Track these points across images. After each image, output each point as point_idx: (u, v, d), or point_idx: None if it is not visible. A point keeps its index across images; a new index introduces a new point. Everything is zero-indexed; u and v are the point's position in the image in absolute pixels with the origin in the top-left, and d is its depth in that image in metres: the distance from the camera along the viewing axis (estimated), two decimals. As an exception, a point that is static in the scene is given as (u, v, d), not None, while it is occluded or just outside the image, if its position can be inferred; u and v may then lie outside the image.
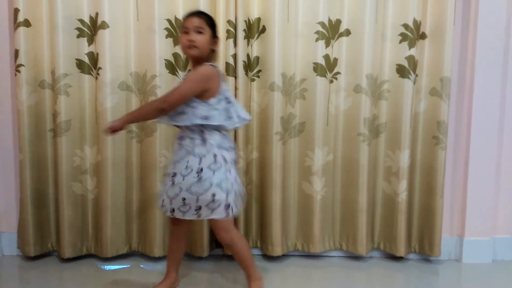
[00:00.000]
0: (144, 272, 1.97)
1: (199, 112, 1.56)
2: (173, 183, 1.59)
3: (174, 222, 1.70)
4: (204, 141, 1.58)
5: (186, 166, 1.57)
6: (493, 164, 2.09)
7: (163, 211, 1.67)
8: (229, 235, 1.64)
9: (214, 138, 1.59)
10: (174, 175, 1.60)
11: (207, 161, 1.57)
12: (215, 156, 1.58)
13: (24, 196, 1.99)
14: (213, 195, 1.56)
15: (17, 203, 2.08)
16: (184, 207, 1.58)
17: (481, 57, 2.01)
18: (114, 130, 1.58)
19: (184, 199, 1.57)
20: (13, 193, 2.11)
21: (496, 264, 2.10)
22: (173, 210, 1.61)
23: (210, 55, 1.63)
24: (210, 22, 1.61)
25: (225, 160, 1.60)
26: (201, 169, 1.56)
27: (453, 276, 2.01)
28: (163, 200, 1.65)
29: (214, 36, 1.62)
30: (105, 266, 2.02)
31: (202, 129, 1.59)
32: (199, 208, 1.57)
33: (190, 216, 1.59)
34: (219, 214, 1.58)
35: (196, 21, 1.57)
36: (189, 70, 1.67)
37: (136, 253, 2.11)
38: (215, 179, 1.57)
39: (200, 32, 1.57)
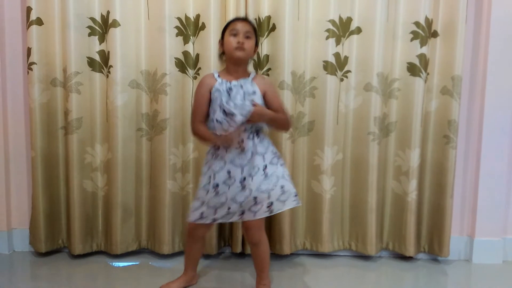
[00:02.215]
0: (153, 269, 1.98)
1: None
2: (243, 187, 1.59)
3: (197, 226, 1.68)
4: (261, 139, 1.65)
5: (253, 166, 1.59)
6: (504, 164, 2.06)
7: (202, 222, 1.64)
8: (262, 233, 1.66)
9: (266, 135, 1.68)
10: (244, 179, 1.59)
11: (268, 157, 1.63)
12: (272, 151, 1.65)
13: (36, 193, 2.01)
14: (282, 187, 1.61)
15: (29, 200, 2.10)
16: (255, 207, 1.59)
17: (494, 56, 1.99)
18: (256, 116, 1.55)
19: (255, 198, 1.58)
20: (25, 190, 2.14)
21: (507, 265, 2.09)
22: (243, 212, 1.60)
23: (248, 62, 1.70)
24: (256, 30, 1.68)
25: (277, 154, 1.67)
26: (266, 166, 1.61)
27: (462, 276, 2.00)
28: (202, 213, 1.63)
29: (256, 44, 1.68)
30: (115, 263, 2.03)
31: (257, 128, 1.64)
32: (271, 204, 1.59)
33: (262, 214, 1.60)
34: (291, 203, 1.63)
35: (246, 26, 1.62)
36: (221, 72, 1.67)
37: (145, 250, 2.13)
38: (279, 172, 1.62)
39: (248, 37, 1.62)
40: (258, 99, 1.62)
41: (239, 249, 2.07)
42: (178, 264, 1.97)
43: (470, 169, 2.10)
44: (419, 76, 1.96)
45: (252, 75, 1.68)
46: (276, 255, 2.07)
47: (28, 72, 1.97)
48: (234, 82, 1.63)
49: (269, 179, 1.59)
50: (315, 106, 2.02)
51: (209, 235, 2.04)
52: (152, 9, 1.98)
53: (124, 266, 2.01)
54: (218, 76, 1.65)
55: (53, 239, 2.08)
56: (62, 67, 1.99)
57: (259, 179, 1.59)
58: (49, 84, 2.00)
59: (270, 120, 1.62)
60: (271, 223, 2.07)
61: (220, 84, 1.63)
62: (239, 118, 1.51)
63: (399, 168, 2.05)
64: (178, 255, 2.07)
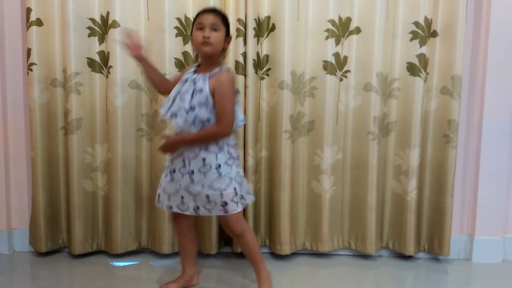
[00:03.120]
0: (153, 269, 1.99)
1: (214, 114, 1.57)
2: (192, 181, 1.59)
3: (176, 219, 1.72)
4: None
5: (204, 163, 1.58)
6: (504, 163, 2.07)
7: (160, 206, 1.69)
8: (240, 225, 1.65)
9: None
10: (192, 172, 1.59)
11: (222, 157, 1.59)
12: (229, 151, 1.61)
13: (36, 193, 2.01)
14: (234, 188, 1.59)
15: (29, 200, 2.11)
16: (209, 205, 1.59)
17: (493, 55, 1.99)
18: (168, 147, 1.58)
19: (207, 196, 1.58)
20: (25, 190, 2.14)
21: (507, 264, 2.09)
22: (197, 208, 1.61)
23: (221, 53, 1.63)
24: (225, 20, 1.60)
25: (233, 155, 1.63)
26: (219, 165, 1.58)
27: (462, 275, 2.00)
28: (159, 195, 1.67)
29: (227, 34, 1.61)
30: (115, 263, 2.04)
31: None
32: (225, 203, 1.58)
33: (217, 212, 1.60)
34: (241, 206, 1.63)
35: (212, 18, 1.55)
36: (198, 66, 1.66)
37: (145, 250, 2.13)
38: (233, 174, 1.60)
39: (215, 30, 1.56)
40: (203, 98, 1.54)
41: (239, 249, 2.07)
42: (178, 264, 1.97)
43: (470, 168, 2.11)
44: (419, 76, 1.97)
45: (215, 71, 1.57)
46: (276, 255, 2.08)
47: (28, 73, 1.97)
48: (193, 76, 1.60)
49: (222, 179, 1.58)
50: (314, 106, 2.02)
51: (209, 235, 2.04)
52: (152, 10, 1.98)
53: (124, 265, 2.02)
54: (197, 66, 1.65)
55: (53, 239, 2.08)
56: (62, 68, 1.99)
57: (212, 177, 1.57)
58: (49, 85, 2.00)
59: (190, 143, 1.57)
60: (271, 223, 2.07)
61: (187, 74, 1.63)
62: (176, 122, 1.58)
63: (399, 168, 2.06)
64: (178, 255, 2.06)
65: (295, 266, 2.04)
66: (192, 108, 1.55)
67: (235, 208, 1.60)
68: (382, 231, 2.12)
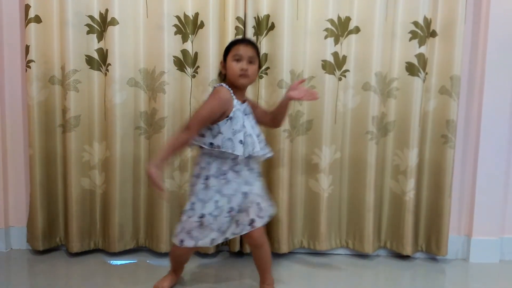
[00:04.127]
0: (150, 267, 1.98)
1: None
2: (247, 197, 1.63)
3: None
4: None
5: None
6: (502, 164, 2.07)
7: (218, 242, 1.64)
8: (264, 235, 1.67)
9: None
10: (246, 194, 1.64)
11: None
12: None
13: (34, 191, 2.00)
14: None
15: (27, 197, 2.10)
16: (261, 212, 1.63)
17: (492, 56, 2.00)
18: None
19: (258, 203, 1.62)
20: (22, 187, 2.13)
21: (504, 264, 2.09)
22: (253, 221, 1.60)
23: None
24: (259, 52, 1.65)
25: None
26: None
27: (460, 275, 2.01)
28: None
29: (260, 67, 1.67)
30: (112, 261, 2.03)
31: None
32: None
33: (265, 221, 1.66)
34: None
35: (250, 51, 1.58)
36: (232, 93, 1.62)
37: (143, 248, 2.13)
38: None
39: (251, 62, 1.58)
40: (253, 120, 1.67)
41: (237, 248, 2.07)
42: (176, 263, 1.97)
43: (468, 169, 2.11)
44: (418, 75, 1.97)
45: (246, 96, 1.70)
46: (274, 254, 2.07)
47: (26, 70, 1.96)
48: (243, 106, 1.63)
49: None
50: (313, 105, 2.02)
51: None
52: (151, 8, 1.97)
53: (121, 264, 2.01)
54: (233, 93, 1.60)
55: (51, 237, 2.08)
56: (60, 65, 1.98)
57: (261, 188, 1.71)
58: (47, 82, 1.99)
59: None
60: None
61: (237, 104, 1.61)
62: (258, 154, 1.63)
63: (397, 167, 2.06)
64: (176, 254, 2.07)
65: (292, 264, 2.04)
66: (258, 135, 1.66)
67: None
68: (379, 230, 2.12)
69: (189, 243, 1.61)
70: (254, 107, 1.72)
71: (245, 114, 1.63)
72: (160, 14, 1.94)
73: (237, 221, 1.61)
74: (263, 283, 1.71)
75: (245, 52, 1.57)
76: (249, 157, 1.62)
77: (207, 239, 1.61)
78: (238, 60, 1.57)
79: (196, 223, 1.60)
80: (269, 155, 1.68)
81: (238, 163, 1.61)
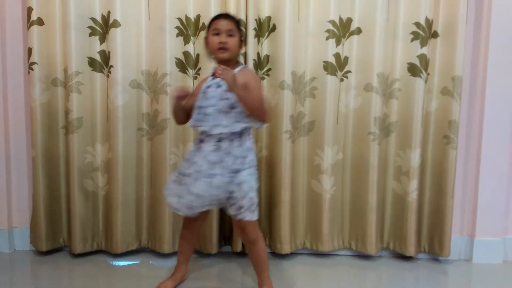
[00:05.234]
0: (153, 268, 1.99)
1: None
2: (233, 181, 1.58)
3: (192, 218, 1.70)
4: (242, 143, 1.60)
5: (250, 166, 1.61)
6: (504, 164, 2.06)
7: (191, 213, 1.64)
8: (258, 230, 1.66)
9: (251, 140, 1.64)
10: (237, 171, 1.57)
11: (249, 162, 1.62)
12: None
13: (37, 192, 2.01)
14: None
15: (30, 199, 2.11)
16: (252, 206, 1.61)
17: (494, 56, 1.99)
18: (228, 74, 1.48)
19: (251, 198, 1.60)
20: (26, 189, 2.14)
21: (507, 265, 2.09)
22: (241, 207, 1.58)
23: (236, 59, 1.66)
24: (239, 26, 1.64)
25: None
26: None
27: (463, 276, 2.00)
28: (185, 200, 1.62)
29: (241, 39, 1.64)
30: (115, 262, 2.04)
31: (243, 131, 1.61)
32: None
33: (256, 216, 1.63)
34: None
35: (228, 24, 1.59)
36: (213, 74, 1.61)
37: (146, 249, 2.13)
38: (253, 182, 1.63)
39: (230, 35, 1.59)
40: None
41: (239, 248, 2.07)
42: (178, 264, 1.98)
43: (470, 169, 2.11)
44: (420, 76, 1.96)
45: (238, 69, 1.61)
46: (276, 254, 2.08)
47: (29, 72, 1.97)
48: (215, 80, 1.58)
49: (254, 182, 1.66)
50: (315, 106, 2.02)
51: (209, 234, 2.04)
52: (153, 10, 1.98)
53: (124, 265, 2.02)
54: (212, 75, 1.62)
55: (54, 238, 2.08)
56: (63, 67, 1.99)
57: (254, 181, 1.66)
58: (50, 84, 2.00)
59: (243, 95, 1.51)
60: (271, 222, 2.08)
61: (210, 81, 1.62)
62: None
63: (399, 168, 2.06)
64: (179, 255, 2.08)
65: (295, 265, 2.04)
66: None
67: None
68: (382, 231, 2.12)
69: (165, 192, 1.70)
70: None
71: (209, 87, 1.61)
72: (162, 16, 1.94)
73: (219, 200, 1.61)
74: (261, 285, 1.70)
75: (223, 26, 1.58)
76: (210, 136, 1.58)
77: (170, 198, 1.66)
78: (217, 34, 1.58)
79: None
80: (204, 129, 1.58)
81: (203, 140, 1.60)
